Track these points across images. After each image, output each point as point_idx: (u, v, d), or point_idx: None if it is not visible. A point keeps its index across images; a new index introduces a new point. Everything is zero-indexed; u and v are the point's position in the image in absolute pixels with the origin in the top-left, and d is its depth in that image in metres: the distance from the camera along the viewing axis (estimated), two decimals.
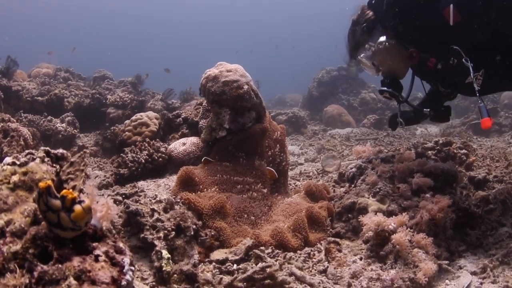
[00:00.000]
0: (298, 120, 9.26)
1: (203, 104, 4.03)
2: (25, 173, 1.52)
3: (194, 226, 2.43)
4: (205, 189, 2.93)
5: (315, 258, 2.54)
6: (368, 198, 2.83)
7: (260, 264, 2.21)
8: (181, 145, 3.75)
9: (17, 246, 1.28)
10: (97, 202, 1.37)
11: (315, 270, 2.43)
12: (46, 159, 1.63)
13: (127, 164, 3.73)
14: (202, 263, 2.36)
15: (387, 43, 2.80)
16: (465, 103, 10.78)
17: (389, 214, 2.63)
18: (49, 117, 5.96)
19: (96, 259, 1.26)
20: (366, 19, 2.87)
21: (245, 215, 2.86)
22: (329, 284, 2.24)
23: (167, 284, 2.10)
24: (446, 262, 2.37)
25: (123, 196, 2.75)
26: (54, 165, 1.66)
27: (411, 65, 2.88)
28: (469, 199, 2.91)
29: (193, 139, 3.77)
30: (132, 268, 1.33)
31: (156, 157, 3.71)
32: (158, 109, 6.90)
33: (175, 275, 2.12)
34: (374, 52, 2.89)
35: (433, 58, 2.60)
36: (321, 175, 4.83)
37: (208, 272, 2.28)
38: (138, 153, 3.79)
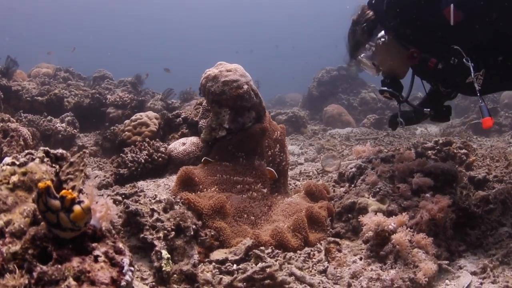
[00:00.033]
0: (298, 120, 9.25)
1: (203, 104, 4.03)
2: (24, 174, 1.52)
3: (194, 226, 2.42)
4: (205, 189, 2.92)
5: (315, 258, 2.53)
6: (368, 198, 2.83)
7: (260, 264, 2.21)
8: (181, 145, 3.75)
9: (16, 247, 1.27)
10: (97, 203, 1.37)
11: (315, 270, 2.42)
12: (45, 159, 1.62)
13: (127, 164, 3.72)
14: (202, 263, 2.36)
15: (386, 39, 2.79)
16: (465, 102, 10.78)
17: (389, 214, 2.62)
18: (49, 117, 5.95)
19: (96, 259, 1.26)
20: (366, 19, 2.87)
21: (245, 215, 2.86)
22: (329, 284, 2.24)
23: (167, 284, 2.09)
24: (446, 262, 2.37)
25: (123, 196, 2.74)
26: (54, 165, 1.66)
27: (411, 65, 2.88)
28: (469, 199, 2.91)
29: (193, 139, 3.77)
30: (132, 268, 1.33)
31: (156, 157, 3.71)
32: (158, 109, 6.89)
33: (175, 275, 2.12)
34: (374, 52, 2.89)
35: (433, 58, 2.60)
36: (321, 175, 4.82)
37: (208, 272, 2.28)
38: (138, 153, 3.79)
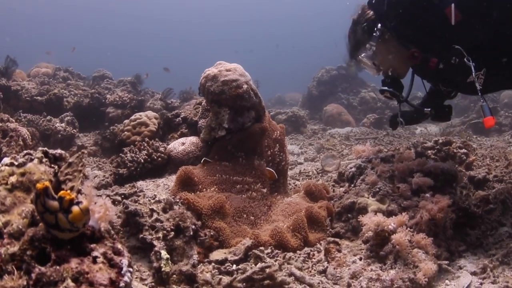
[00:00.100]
0: (297, 120, 9.24)
1: (202, 104, 4.02)
2: (23, 174, 1.51)
3: (193, 226, 2.42)
4: (204, 189, 2.92)
5: (314, 258, 2.53)
6: (368, 198, 2.83)
7: (259, 265, 2.21)
8: (180, 144, 3.74)
9: (14, 248, 1.27)
10: (95, 203, 1.36)
11: (314, 270, 2.42)
12: (44, 160, 1.62)
13: (126, 164, 3.72)
14: (201, 264, 2.35)
15: (386, 38, 2.79)
16: (465, 102, 10.77)
17: (388, 214, 2.62)
18: (48, 117, 5.94)
19: (94, 260, 1.26)
20: (366, 18, 2.86)
21: (245, 215, 2.86)
22: (328, 285, 2.24)
23: (166, 285, 2.09)
24: (446, 262, 2.37)
25: (122, 196, 2.74)
26: (52, 165, 1.65)
27: (412, 65, 2.87)
28: (469, 199, 2.90)
29: (192, 139, 3.76)
30: (131, 269, 1.33)
31: (155, 157, 3.70)
32: (157, 109, 6.88)
33: (174, 276, 2.12)
34: (375, 52, 2.88)
35: (434, 58, 2.59)
36: (320, 174, 4.82)
37: (207, 272, 2.27)
38: (137, 153, 3.78)
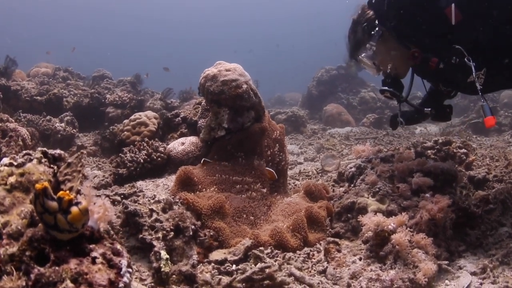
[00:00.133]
0: (297, 119, 9.24)
1: (202, 104, 4.02)
2: (22, 174, 1.51)
3: (193, 227, 2.42)
4: (204, 189, 2.92)
5: (314, 259, 2.53)
6: (368, 198, 2.82)
7: (259, 265, 2.20)
8: (180, 144, 3.74)
9: (13, 248, 1.26)
10: (94, 204, 1.36)
11: (314, 270, 2.42)
12: (43, 160, 1.62)
13: (126, 164, 3.71)
14: (201, 264, 2.35)
15: (386, 38, 2.79)
16: (465, 102, 10.77)
17: (388, 214, 2.62)
18: (48, 117, 5.93)
19: (93, 261, 1.25)
20: (366, 18, 2.86)
21: (244, 215, 2.85)
22: (328, 285, 2.23)
23: (166, 285, 2.09)
24: (446, 262, 2.37)
25: (122, 196, 2.73)
26: (52, 166, 1.65)
27: (412, 64, 2.87)
28: (469, 199, 2.90)
29: (192, 139, 3.76)
30: (130, 270, 1.32)
31: (155, 157, 3.70)
32: (157, 109, 6.88)
33: (174, 276, 2.11)
34: (375, 52, 2.88)
35: (435, 58, 2.59)
36: (320, 174, 4.82)
37: (207, 272, 2.27)
38: (137, 153, 3.77)
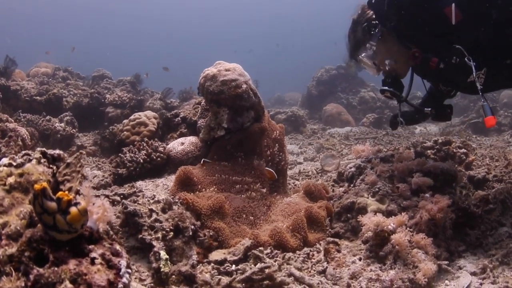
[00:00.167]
0: (297, 119, 9.24)
1: (202, 104, 4.02)
2: (21, 175, 1.51)
3: (192, 227, 2.42)
4: (204, 189, 2.91)
5: (314, 259, 2.53)
6: (368, 198, 2.82)
7: (258, 265, 2.20)
8: (180, 144, 3.73)
9: (12, 249, 1.26)
10: (93, 204, 1.36)
11: (314, 270, 2.42)
12: (42, 160, 1.61)
13: (126, 164, 3.71)
14: (201, 264, 2.35)
15: (386, 38, 2.79)
16: (464, 102, 10.77)
17: (388, 214, 2.62)
18: (47, 117, 5.93)
19: (92, 261, 1.25)
20: (367, 18, 2.86)
21: (244, 215, 2.85)
22: (328, 285, 2.23)
23: (166, 285, 2.09)
24: (446, 262, 2.37)
25: (121, 196, 2.73)
26: (51, 166, 1.65)
27: (412, 64, 2.87)
28: (468, 199, 2.90)
29: (192, 139, 3.75)
30: (129, 270, 1.32)
31: (154, 157, 3.69)
32: (157, 108, 6.88)
33: (174, 276, 2.11)
34: (375, 52, 2.88)
35: (435, 58, 2.59)
36: (320, 174, 4.82)
37: (206, 273, 2.27)
38: (137, 153, 3.77)
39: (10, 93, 6.60)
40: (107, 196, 2.65)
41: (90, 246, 1.30)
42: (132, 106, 6.92)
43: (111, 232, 1.84)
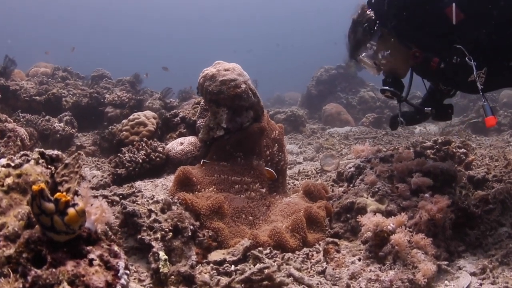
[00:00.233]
0: (296, 119, 9.23)
1: (201, 103, 4.01)
2: (19, 175, 1.50)
3: (191, 227, 2.41)
4: (203, 189, 2.91)
5: (313, 259, 2.52)
6: (367, 198, 2.82)
7: (258, 265, 2.20)
8: (179, 144, 3.73)
9: (10, 250, 1.26)
10: (92, 205, 1.35)
11: (313, 271, 2.41)
12: (40, 161, 1.61)
13: (125, 164, 3.70)
14: (200, 264, 2.34)
15: (386, 36, 2.79)
16: (464, 101, 10.76)
17: (388, 214, 2.61)
18: (47, 117, 5.93)
19: (90, 263, 1.25)
20: (367, 18, 2.85)
21: (243, 215, 2.85)
22: (327, 285, 2.23)
23: (165, 286, 2.08)
24: (446, 262, 2.36)
25: (120, 196, 2.72)
26: (49, 166, 1.64)
27: (412, 64, 2.86)
28: (468, 199, 2.90)
29: (191, 139, 3.75)
30: (127, 271, 1.32)
31: (153, 157, 3.68)
32: (156, 108, 6.87)
33: (173, 277, 2.11)
34: (375, 51, 2.87)
35: (436, 58, 2.59)
36: (319, 174, 4.81)
37: (205, 273, 2.26)
38: (136, 153, 3.76)
39: (9, 93, 6.59)
40: (106, 197, 2.65)
41: (88, 247, 1.30)
42: (132, 106, 6.91)
43: (110, 233, 1.83)
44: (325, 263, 2.46)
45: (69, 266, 1.22)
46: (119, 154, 3.88)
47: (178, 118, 4.63)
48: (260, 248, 2.46)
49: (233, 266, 2.32)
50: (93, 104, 7.13)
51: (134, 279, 2.08)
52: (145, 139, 4.11)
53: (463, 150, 3.74)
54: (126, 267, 1.32)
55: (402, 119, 3.11)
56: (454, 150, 3.71)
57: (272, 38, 41.91)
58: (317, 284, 2.21)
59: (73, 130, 5.95)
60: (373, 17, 2.83)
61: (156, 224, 2.28)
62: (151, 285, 2.07)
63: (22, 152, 1.65)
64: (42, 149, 1.66)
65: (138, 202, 2.53)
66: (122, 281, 1.26)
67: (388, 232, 2.36)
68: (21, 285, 1.20)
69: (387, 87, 2.87)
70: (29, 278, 1.20)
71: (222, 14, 53.70)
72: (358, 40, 2.93)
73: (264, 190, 3.12)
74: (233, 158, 3.21)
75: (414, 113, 3.20)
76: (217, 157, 3.24)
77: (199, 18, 55.79)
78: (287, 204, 3.07)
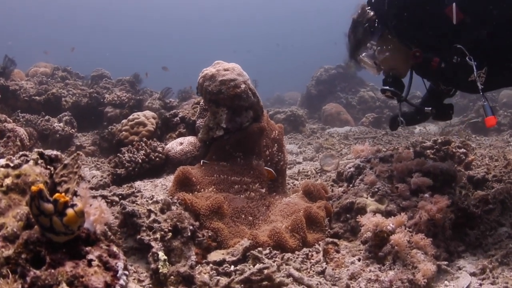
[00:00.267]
0: (296, 119, 9.23)
1: (201, 103, 4.01)
2: (18, 176, 1.50)
3: (191, 227, 2.41)
4: (202, 189, 2.91)
5: (313, 259, 2.52)
6: (367, 198, 2.81)
7: (257, 266, 2.19)
8: (178, 144, 3.73)
9: (9, 251, 1.25)
10: (90, 206, 1.35)
11: (313, 271, 2.41)
12: (39, 161, 1.61)
13: (124, 164, 3.70)
14: (199, 265, 2.34)
15: (387, 38, 2.79)
16: (464, 101, 10.76)
17: (387, 214, 2.61)
18: (46, 117, 5.92)
19: (89, 263, 1.24)
20: (367, 18, 2.85)
21: (243, 216, 2.84)
22: (327, 286, 2.22)
23: (164, 286, 2.08)
24: (445, 263, 2.36)
25: (120, 196, 2.72)
26: (48, 167, 1.64)
27: (412, 64, 2.86)
28: (468, 199, 2.89)
29: (191, 139, 3.75)
30: (126, 272, 1.31)
31: (153, 157, 3.68)
32: (156, 108, 6.87)
33: (172, 277, 2.10)
34: (375, 51, 2.87)
35: (436, 58, 2.58)
36: (319, 174, 4.81)
37: (205, 273, 2.26)
38: (135, 153, 3.76)
39: (9, 93, 6.59)
40: (105, 197, 2.65)
41: (87, 248, 1.30)
42: (131, 106, 6.91)
43: (109, 233, 1.83)
44: (324, 263, 2.46)
45: (68, 267, 1.21)
46: (118, 154, 3.88)
47: (178, 118, 4.62)
48: (260, 248, 2.46)
49: (232, 266, 2.32)
50: (92, 104, 7.13)
51: (134, 279, 2.08)
52: (144, 139, 4.11)
53: (463, 150, 3.73)
54: (125, 268, 1.31)
55: (402, 119, 3.11)
56: (454, 150, 3.71)
57: (272, 38, 41.92)
58: (317, 284, 2.21)
59: (72, 130, 5.94)
60: (373, 17, 2.83)
61: (155, 224, 2.28)
62: (150, 285, 2.07)
63: (21, 153, 1.65)
64: (41, 150, 1.66)
65: (138, 202, 2.53)
66: (121, 281, 1.25)
67: (388, 232, 2.36)
68: (20, 286, 1.19)
69: (387, 87, 2.87)
70: (28, 279, 1.20)
71: (222, 14, 53.70)
72: (358, 40, 2.93)
73: (263, 190, 3.12)
74: (233, 158, 3.21)
75: (414, 113, 3.20)
76: (216, 157, 3.23)
77: (199, 18, 55.82)
78: (286, 204, 3.07)
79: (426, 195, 2.65)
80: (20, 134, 4.14)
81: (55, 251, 1.25)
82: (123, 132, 4.69)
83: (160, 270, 2.09)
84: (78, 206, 1.22)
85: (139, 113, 4.93)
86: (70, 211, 1.20)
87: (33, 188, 1.21)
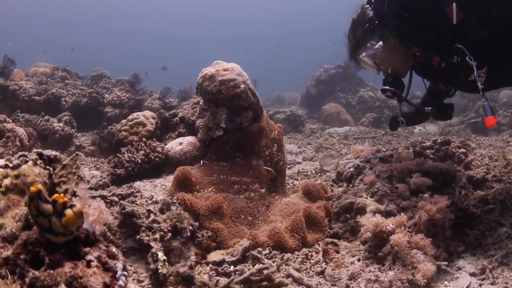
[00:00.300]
0: (296, 119, 9.23)
1: (200, 103, 4.01)
2: (17, 176, 1.50)
3: (190, 227, 2.41)
4: (202, 190, 2.90)
5: (313, 259, 2.52)
6: (366, 198, 2.81)
7: (257, 266, 2.19)
8: (178, 144, 3.72)
9: (8, 252, 1.25)
10: (89, 206, 1.35)
11: (312, 271, 2.41)
12: (38, 162, 1.60)
13: (124, 164, 3.70)
14: (199, 265, 2.34)
15: (387, 38, 2.78)
16: (464, 101, 10.75)
17: (387, 214, 2.61)
18: (46, 117, 5.92)
19: (88, 264, 1.24)
20: (367, 18, 2.85)
21: (242, 216, 2.84)
22: (326, 286, 2.22)
23: (163, 287, 2.08)
24: (445, 263, 2.36)
25: (119, 197, 2.72)
26: (47, 167, 1.64)
27: (412, 63, 2.86)
28: (468, 199, 2.89)
29: (190, 139, 3.75)
30: (125, 273, 1.31)
31: (152, 157, 3.68)
32: (155, 108, 6.86)
33: (172, 277, 2.10)
34: (375, 51, 2.87)
35: (436, 57, 2.58)
36: (319, 174, 4.81)
37: (204, 274, 2.26)
38: (135, 153, 3.76)
39: (8, 93, 6.59)
40: (105, 197, 2.65)
41: (86, 249, 1.29)
42: (131, 106, 6.91)
43: (108, 234, 1.83)
44: (324, 263, 2.46)
45: (67, 267, 1.21)
46: (118, 154, 3.87)
47: (177, 118, 4.62)
48: (259, 249, 2.46)
49: (232, 266, 2.32)
50: (92, 104, 7.13)
51: (133, 279, 2.08)
52: (144, 139, 4.11)
53: (462, 150, 3.73)
54: (124, 268, 1.31)
55: (403, 119, 3.11)
56: (453, 150, 3.71)
57: (272, 38, 41.93)
58: (317, 284, 2.20)
59: (72, 130, 5.94)
60: (373, 17, 2.83)
61: (155, 225, 2.28)
62: (150, 285, 2.06)
63: (20, 153, 1.64)
64: (40, 150, 1.66)
65: (137, 203, 2.53)
66: (120, 282, 1.25)
67: (388, 232, 2.36)
68: (19, 287, 1.19)
69: (387, 87, 2.86)
70: (27, 280, 1.20)
71: (222, 14, 53.67)
72: (358, 40, 2.93)
73: (263, 190, 3.12)
74: (232, 158, 3.21)
75: (414, 113, 3.20)
76: (216, 157, 3.23)
77: (199, 18, 55.76)
78: (286, 204, 3.07)
79: (426, 195, 2.65)
80: (19, 134, 4.14)
81: (54, 252, 1.25)
82: (123, 132, 4.69)
83: (160, 271, 2.08)
84: (77, 206, 1.22)
85: (138, 113, 4.93)
86: (69, 212, 1.20)
87: (32, 188, 1.20)
